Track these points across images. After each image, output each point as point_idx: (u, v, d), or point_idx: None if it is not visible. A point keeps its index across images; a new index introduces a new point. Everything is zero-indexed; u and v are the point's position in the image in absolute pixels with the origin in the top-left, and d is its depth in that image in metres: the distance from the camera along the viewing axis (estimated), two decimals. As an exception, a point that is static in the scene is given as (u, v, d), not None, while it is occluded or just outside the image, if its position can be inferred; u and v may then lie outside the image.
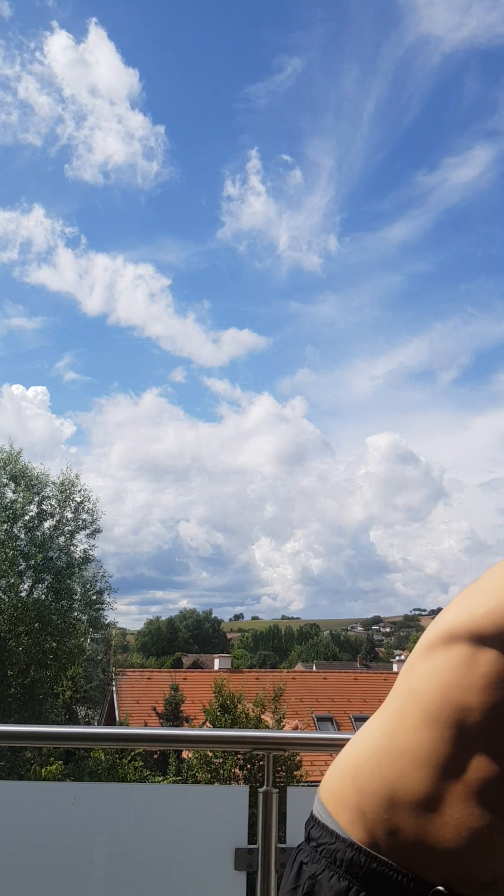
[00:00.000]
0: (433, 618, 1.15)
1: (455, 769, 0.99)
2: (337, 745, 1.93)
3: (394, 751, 1.05)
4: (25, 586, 22.14)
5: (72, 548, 23.44)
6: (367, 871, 1.02)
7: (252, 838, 1.92)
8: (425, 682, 1.05)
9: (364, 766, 1.08)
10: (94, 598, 23.66)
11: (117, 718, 25.99)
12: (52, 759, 17.32)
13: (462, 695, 1.00)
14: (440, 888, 0.98)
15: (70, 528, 23.50)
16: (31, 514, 22.95)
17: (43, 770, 16.25)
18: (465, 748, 0.99)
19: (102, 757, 16.93)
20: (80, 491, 23.77)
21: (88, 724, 24.18)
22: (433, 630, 1.09)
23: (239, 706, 15.81)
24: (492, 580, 1.06)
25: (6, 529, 22.03)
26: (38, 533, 22.79)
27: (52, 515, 23.29)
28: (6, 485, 22.87)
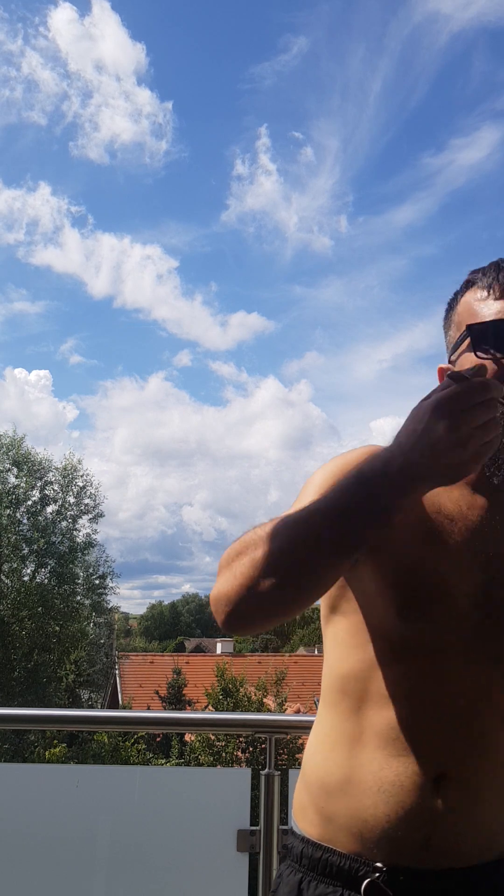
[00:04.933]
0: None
1: (356, 736, 1.08)
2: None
3: (316, 742, 1.16)
4: (28, 571, 22.20)
5: (74, 532, 23.49)
6: (314, 861, 1.09)
7: (254, 820, 1.94)
8: (324, 670, 1.17)
9: (305, 763, 1.19)
10: (97, 582, 23.73)
11: (120, 702, 26.15)
12: (55, 741, 17.43)
13: (339, 667, 1.11)
14: (378, 864, 1.03)
15: (72, 512, 23.53)
16: (33, 498, 22.97)
17: (47, 753, 16.35)
18: (356, 712, 1.08)
19: (106, 740, 17.02)
20: (82, 476, 23.80)
21: (92, 707, 24.34)
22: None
23: (241, 690, 15.88)
24: None
25: (9, 514, 22.06)
26: (41, 518, 22.82)
27: (55, 500, 23.31)
28: (9, 470, 22.89)
